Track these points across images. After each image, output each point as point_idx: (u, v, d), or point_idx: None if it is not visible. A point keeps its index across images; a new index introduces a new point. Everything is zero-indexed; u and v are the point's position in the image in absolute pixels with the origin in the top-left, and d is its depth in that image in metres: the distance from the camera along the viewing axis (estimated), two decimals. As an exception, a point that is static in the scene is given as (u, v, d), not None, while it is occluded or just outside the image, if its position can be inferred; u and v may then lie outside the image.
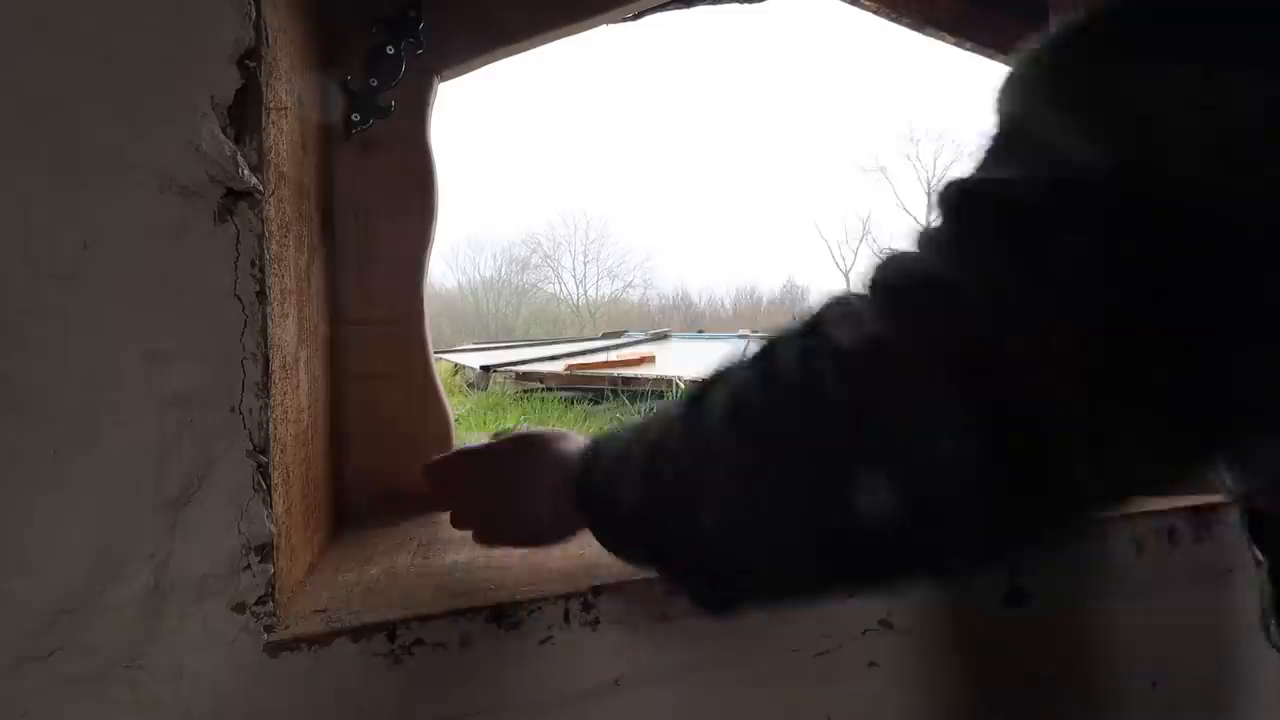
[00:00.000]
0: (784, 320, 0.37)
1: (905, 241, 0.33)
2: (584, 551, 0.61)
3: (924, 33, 1.02)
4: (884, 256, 0.32)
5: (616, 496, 0.41)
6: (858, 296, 0.33)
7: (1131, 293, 0.25)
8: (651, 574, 0.47)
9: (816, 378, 0.31)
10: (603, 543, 0.46)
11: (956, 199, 0.30)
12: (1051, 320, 0.26)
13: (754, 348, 0.37)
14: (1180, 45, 0.25)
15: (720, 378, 0.37)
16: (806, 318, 0.34)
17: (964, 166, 0.34)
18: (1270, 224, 0.24)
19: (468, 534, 0.56)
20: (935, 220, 0.32)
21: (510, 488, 0.53)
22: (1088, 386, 0.26)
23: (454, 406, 0.81)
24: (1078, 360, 0.26)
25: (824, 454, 0.31)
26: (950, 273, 0.29)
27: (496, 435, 0.59)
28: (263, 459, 0.46)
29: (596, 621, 0.52)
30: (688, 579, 0.40)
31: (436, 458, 0.59)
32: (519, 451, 0.53)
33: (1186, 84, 0.25)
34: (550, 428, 0.54)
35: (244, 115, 0.45)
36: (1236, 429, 0.28)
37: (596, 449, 0.46)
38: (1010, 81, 0.31)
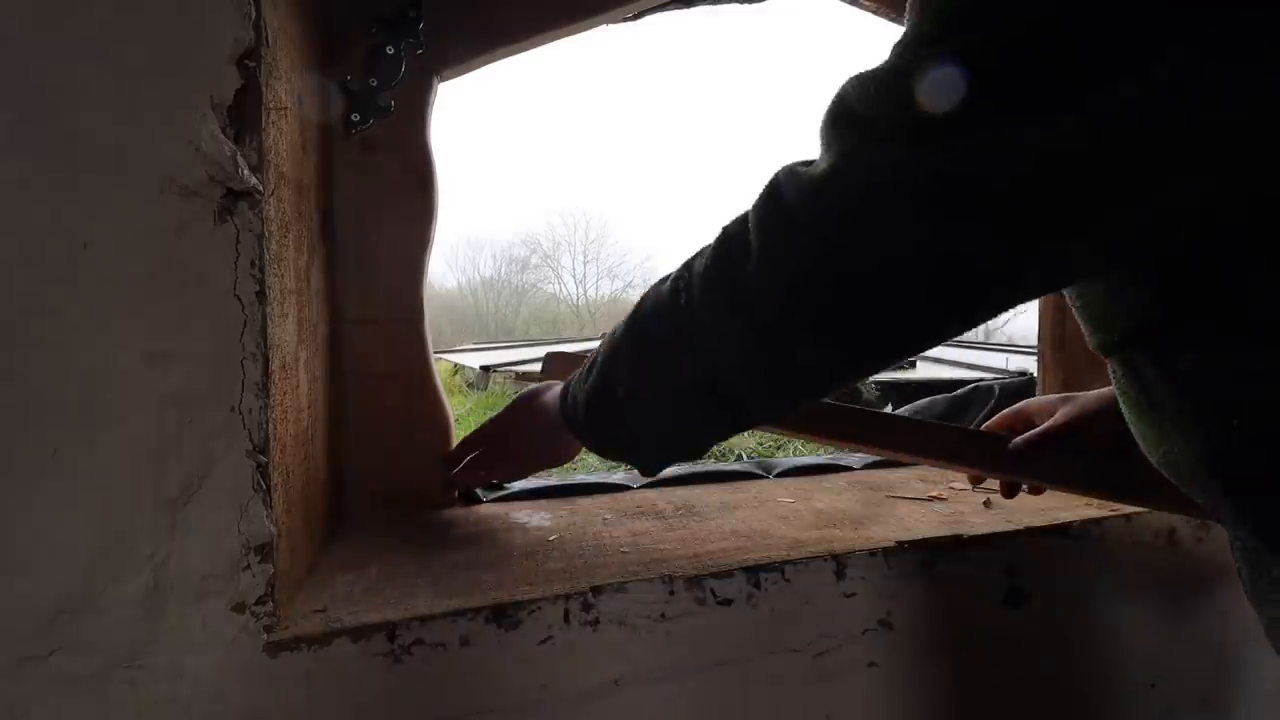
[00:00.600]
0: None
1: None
2: (583, 551, 0.61)
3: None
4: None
5: (578, 402, 0.55)
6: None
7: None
8: (612, 458, 0.59)
9: (672, 294, 0.46)
10: (581, 441, 0.58)
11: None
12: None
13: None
14: None
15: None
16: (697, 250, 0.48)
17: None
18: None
19: (468, 532, 0.59)
20: None
21: (519, 428, 0.67)
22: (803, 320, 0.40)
23: (454, 406, 0.81)
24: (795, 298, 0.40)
25: (667, 341, 0.47)
26: (733, 227, 0.43)
27: None
28: (263, 459, 0.46)
29: (596, 621, 0.52)
30: (625, 445, 0.55)
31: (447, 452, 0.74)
32: (518, 405, 0.67)
33: None
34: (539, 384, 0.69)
35: (244, 115, 0.45)
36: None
37: (570, 380, 0.58)
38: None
